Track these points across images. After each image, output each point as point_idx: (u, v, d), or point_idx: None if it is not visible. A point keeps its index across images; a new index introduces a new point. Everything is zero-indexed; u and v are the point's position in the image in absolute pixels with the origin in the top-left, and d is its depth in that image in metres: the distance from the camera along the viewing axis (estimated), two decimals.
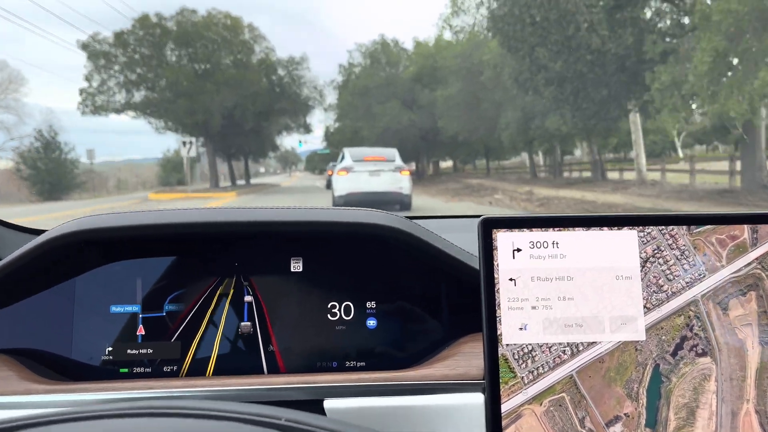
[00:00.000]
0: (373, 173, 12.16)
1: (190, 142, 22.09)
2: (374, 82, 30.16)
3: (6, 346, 0.86)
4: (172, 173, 32.00)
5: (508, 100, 21.67)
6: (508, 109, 22.02)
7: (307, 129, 33.59)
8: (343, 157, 13.54)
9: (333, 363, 0.87)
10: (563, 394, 0.63)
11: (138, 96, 26.50)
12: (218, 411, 0.35)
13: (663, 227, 0.67)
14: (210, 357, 0.87)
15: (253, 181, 38.06)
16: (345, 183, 12.19)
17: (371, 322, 0.89)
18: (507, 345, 0.64)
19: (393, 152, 13.49)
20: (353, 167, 12.39)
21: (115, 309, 0.87)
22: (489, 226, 0.66)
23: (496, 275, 0.66)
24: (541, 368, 0.64)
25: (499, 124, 23.15)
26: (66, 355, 0.86)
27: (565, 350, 0.64)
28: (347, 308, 0.89)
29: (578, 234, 0.67)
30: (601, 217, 0.68)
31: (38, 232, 1.12)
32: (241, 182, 33.37)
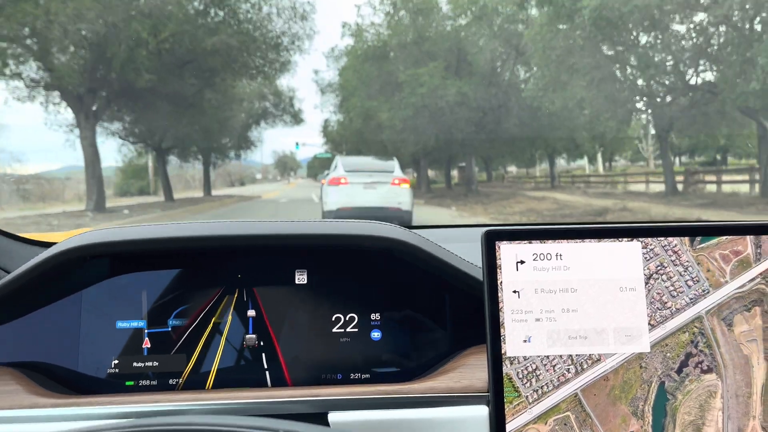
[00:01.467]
0: (368, 186, 10.56)
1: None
2: (399, 37, 19.33)
3: (13, 360, 0.86)
4: (132, 181, 25.63)
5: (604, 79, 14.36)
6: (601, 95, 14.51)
7: (296, 118, 23.87)
8: (335, 167, 11.74)
9: (338, 375, 0.88)
10: (568, 413, 0.63)
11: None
12: (216, 426, 0.35)
13: (666, 244, 0.67)
14: (215, 370, 0.87)
15: (230, 191, 30.15)
16: (336, 196, 10.61)
17: (376, 334, 0.89)
18: (511, 358, 0.64)
19: (392, 163, 11.88)
20: (346, 178, 10.78)
21: (121, 324, 0.88)
22: (492, 238, 0.67)
23: (499, 287, 0.66)
24: (545, 387, 0.64)
25: (581, 114, 15.68)
26: (72, 368, 0.87)
27: (569, 368, 0.64)
28: (351, 320, 0.89)
29: (581, 246, 0.67)
30: (604, 229, 0.68)
31: (46, 245, 1.12)
32: (220, 192, 26.34)
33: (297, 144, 43.60)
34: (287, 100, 23.88)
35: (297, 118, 24.40)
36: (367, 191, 10.49)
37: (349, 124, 23.68)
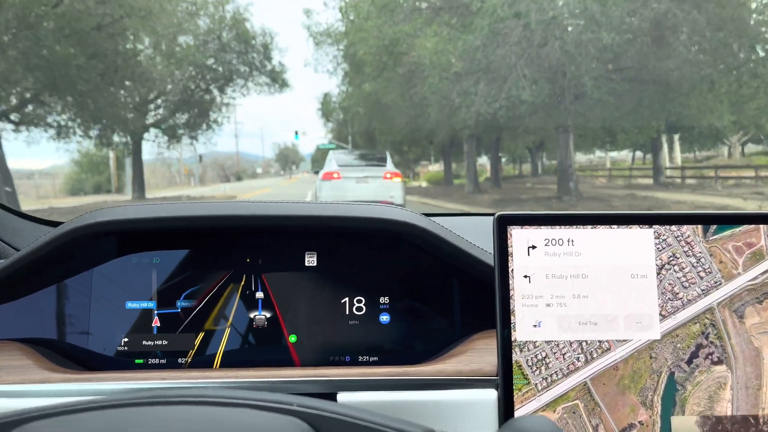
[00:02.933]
0: (360, 180, 10.90)
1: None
2: None
3: (24, 336, 0.87)
4: (89, 176, 22.70)
5: None
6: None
7: (276, 78, 16.46)
8: (329, 161, 12.03)
9: (346, 357, 0.88)
10: (577, 401, 0.63)
11: None
12: (231, 399, 0.35)
13: (679, 234, 0.66)
14: (224, 349, 0.88)
15: (216, 187, 23.89)
16: (329, 191, 10.87)
17: (384, 318, 0.90)
18: (521, 345, 0.64)
19: (384, 158, 12.13)
20: (339, 172, 11.13)
21: (131, 305, 0.88)
22: (504, 223, 0.66)
23: (510, 272, 0.66)
24: (555, 375, 0.64)
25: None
26: (82, 346, 0.87)
27: (579, 357, 0.64)
28: (360, 303, 0.90)
29: (593, 232, 0.67)
30: (617, 215, 0.67)
31: (56, 224, 1.13)
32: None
33: (296, 133, 38.75)
34: (260, 49, 15.65)
35: (278, 79, 16.38)
36: (360, 185, 10.76)
37: (359, 99, 17.45)
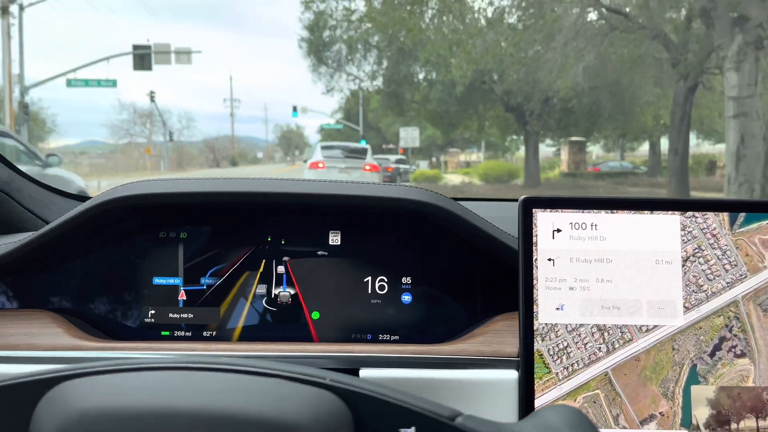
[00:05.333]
0: (342, 171, 12.07)
1: None
2: None
3: (54, 306, 0.89)
4: None
5: None
6: None
7: None
8: (315, 152, 13.32)
9: (367, 335, 0.89)
10: (598, 391, 0.64)
11: None
12: (264, 369, 0.36)
13: (705, 227, 0.66)
14: (248, 324, 0.89)
15: (182, 175, 19.77)
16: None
17: (406, 298, 0.91)
18: (542, 334, 0.65)
19: (365, 148, 13.39)
20: (323, 162, 12.31)
21: (158, 281, 0.90)
22: (529, 206, 0.67)
23: (534, 254, 0.66)
24: (576, 364, 0.64)
25: None
26: (110, 317, 0.90)
27: (600, 347, 0.65)
28: (383, 283, 0.91)
29: (619, 217, 0.67)
30: (643, 200, 0.67)
31: (85, 199, 1.14)
32: None
33: (294, 109, 32.02)
34: None
35: None
36: (342, 175, 11.98)
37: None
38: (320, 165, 12.33)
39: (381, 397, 0.35)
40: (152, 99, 32.35)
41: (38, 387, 0.36)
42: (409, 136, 20.01)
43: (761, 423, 0.64)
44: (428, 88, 17.07)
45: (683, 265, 0.66)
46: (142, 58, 19.44)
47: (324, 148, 13.51)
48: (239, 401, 0.33)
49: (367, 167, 12.25)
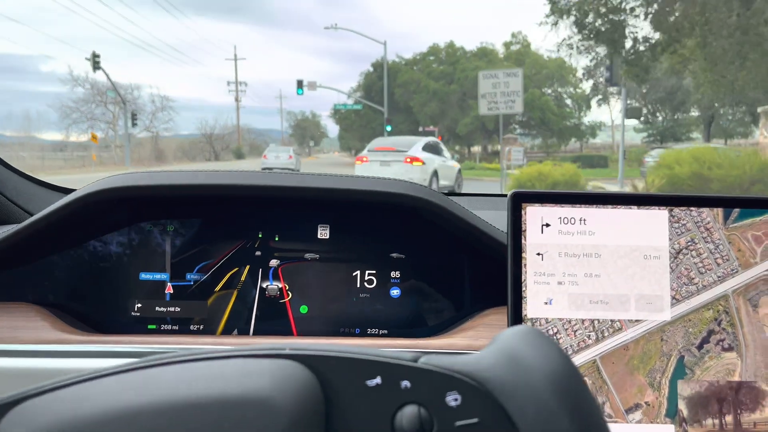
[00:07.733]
0: (383, 164, 12.36)
1: None
2: None
3: (39, 299, 0.88)
4: None
5: None
6: None
7: None
8: (366, 148, 13.80)
9: (356, 330, 0.89)
10: (585, 379, 0.63)
11: None
12: (222, 353, 0.36)
13: (699, 220, 0.66)
14: (235, 319, 0.89)
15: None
16: (358, 172, 12.25)
17: (395, 292, 0.90)
18: (532, 320, 0.64)
19: (410, 141, 13.49)
20: (367, 156, 12.90)
21: (145, 276, 0.89)
22: (519, 200, 0.66)
23: (523, 249, 0.66)
24: (564, 351, 0.64)
25: None
26: (96, 310, 0.89)
27: (590, 335, 0.64)
28: (372, 277, 0.90)
29: (607, 212, 0.66)
30: (631, 196, 0.67)
31: (70, 191, 1.14)
32: None
33: (299, 85, 26.07)
34: None
35: None
36: (383, 168, 12.15)
37: None
38: (364, 159, 12.89)
39: (342, 356, 0.35)
40: (96, 65, 23.21)
41: None
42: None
43: (744, 417, 0.63)
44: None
45: (675, 258, 0.65)
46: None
47: (372, 143, 14.00)
48: (201, 386, 0.32)
49: (408, 159, 12.27)
